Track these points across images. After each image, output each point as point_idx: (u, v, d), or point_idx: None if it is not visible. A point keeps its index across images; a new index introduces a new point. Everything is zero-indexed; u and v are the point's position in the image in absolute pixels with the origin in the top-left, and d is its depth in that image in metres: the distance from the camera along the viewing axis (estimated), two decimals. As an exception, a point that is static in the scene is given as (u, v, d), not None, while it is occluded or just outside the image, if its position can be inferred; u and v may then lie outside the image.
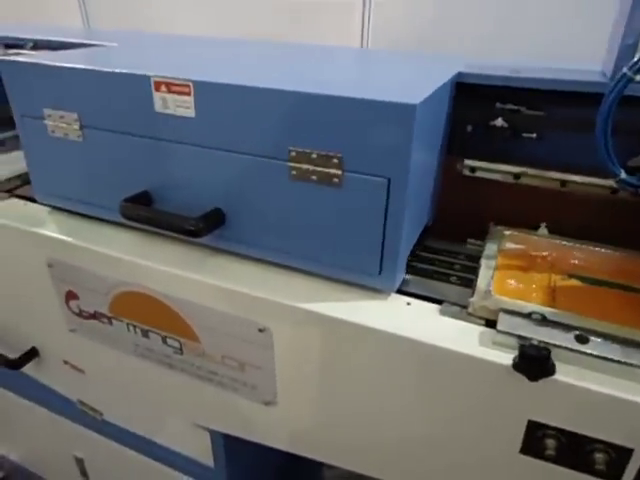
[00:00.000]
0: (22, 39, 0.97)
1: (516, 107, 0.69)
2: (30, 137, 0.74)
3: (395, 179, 0.53)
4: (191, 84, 0.58)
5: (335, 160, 0.54)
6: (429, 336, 0.54)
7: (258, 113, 0.56)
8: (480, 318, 0.57)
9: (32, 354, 0.98)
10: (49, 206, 0.82)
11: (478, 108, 0.71)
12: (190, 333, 0.70)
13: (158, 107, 0.62)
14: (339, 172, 0.55)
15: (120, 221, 0.74)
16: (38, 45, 0.97)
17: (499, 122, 0.68)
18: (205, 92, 0.58)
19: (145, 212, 0.65)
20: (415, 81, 0.65)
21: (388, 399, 0.61)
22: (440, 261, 0.69)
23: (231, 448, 0.87)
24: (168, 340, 0.74)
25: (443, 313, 0.58)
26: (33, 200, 0.85)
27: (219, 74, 0.61)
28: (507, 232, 0.71)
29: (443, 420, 0.59)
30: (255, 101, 0.56)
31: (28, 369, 1.00)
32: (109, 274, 0.72)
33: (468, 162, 0.73)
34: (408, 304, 0.60)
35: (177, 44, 1.01)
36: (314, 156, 0.55)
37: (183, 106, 0.60)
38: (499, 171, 0.72)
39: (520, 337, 0.51)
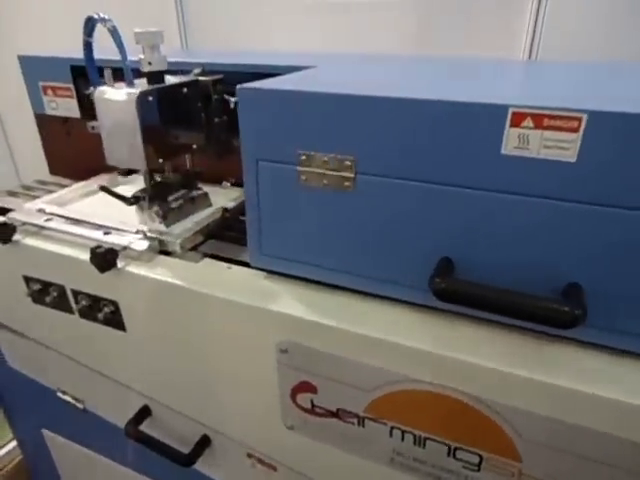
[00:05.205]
0: (189, 63, 0.80)
1: None
2: (265, 186, 0.57)
3: None
4: (584, 116, 0.41)
5: None
6: None
7: None
8: None
9: (204, 444, 0.80)
10: (264, 270, 0.64)
11: None
12: (506, 448, 0.52)
13: (508, 148, 0.44)
14: None
15: (385, 294, 0.57)
16: (205, 71, 0.81)
17: None
18: (608, 127, 0.41)
19: (481, 290, 0.47)
20: None
21: None
22: None
23: None
24: (459, 453, 0.55)
25: None
26: (230, 260, 0.69)
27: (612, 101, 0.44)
28: None
29: None
30: None
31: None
32: (387, 367, 0.54)
33: None
34: None
35: (382, 64, 0.84)
36: None
37: (558, 147, 0.43)
38: None
39: None
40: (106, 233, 0.70)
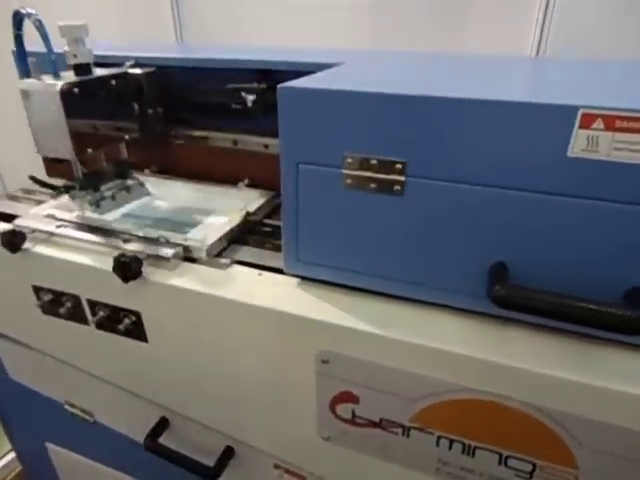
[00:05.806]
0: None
1: None
2: (305, 191, 0.55)
3: None
4: (660, 117, 0.40)
5: None
6: None
7: None
8: None
9: (228, 455, 0.77)
10: (297, 277, 0.62)
11: None
12: (561, 455, 0.51)
13: (575, 150, 0.43)
14: None
15: (433, 300, 0.55)
16: (139, 64, 0.79)
17: None
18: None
19: (547, 298, 0.45)
20: None
21: None
22: None
23: None
24: (510, 461, 0.54)
25: None
26: (258, 266, 0.66)
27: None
28: None
29: None
30: None
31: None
32: (435, 375, 0.52)
33: None
34: None
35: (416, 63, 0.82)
36: None
37: (629, 149, 0.41)
38: None
39: None
40: (126, 240, 0.67)
